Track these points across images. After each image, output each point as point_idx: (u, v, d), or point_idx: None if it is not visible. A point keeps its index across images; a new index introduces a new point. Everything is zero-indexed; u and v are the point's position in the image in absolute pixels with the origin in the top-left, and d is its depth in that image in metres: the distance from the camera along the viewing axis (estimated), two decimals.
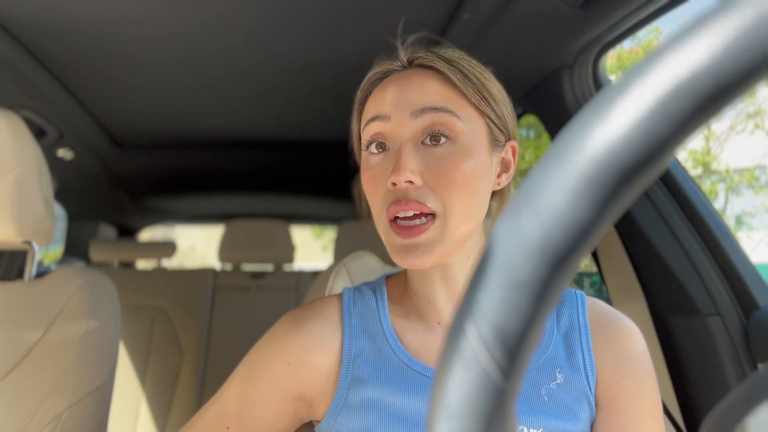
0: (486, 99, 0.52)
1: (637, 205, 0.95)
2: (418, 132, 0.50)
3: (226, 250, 2.01)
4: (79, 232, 2.29)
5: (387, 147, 0.51)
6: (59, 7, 0.88)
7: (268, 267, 2.10)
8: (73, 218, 2.29)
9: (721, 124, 8.29)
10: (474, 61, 0.55)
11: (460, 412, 0.15)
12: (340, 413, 0.52)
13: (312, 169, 2.01)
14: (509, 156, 0.56)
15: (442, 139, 0.49)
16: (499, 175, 0.54)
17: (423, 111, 0.49)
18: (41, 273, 0.87)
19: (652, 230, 0.93)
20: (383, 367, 0.53)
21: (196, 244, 14.77)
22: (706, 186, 8.18)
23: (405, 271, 0.60)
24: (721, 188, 8.54)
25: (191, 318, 1.87)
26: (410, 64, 0.54)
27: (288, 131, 1.63)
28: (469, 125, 0.50)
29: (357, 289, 0.61)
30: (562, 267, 0.15)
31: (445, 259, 0.51)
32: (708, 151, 8.27)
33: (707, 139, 8.19)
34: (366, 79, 0.56)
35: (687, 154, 8.21)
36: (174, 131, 1.61)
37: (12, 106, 1.15)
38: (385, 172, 0.50)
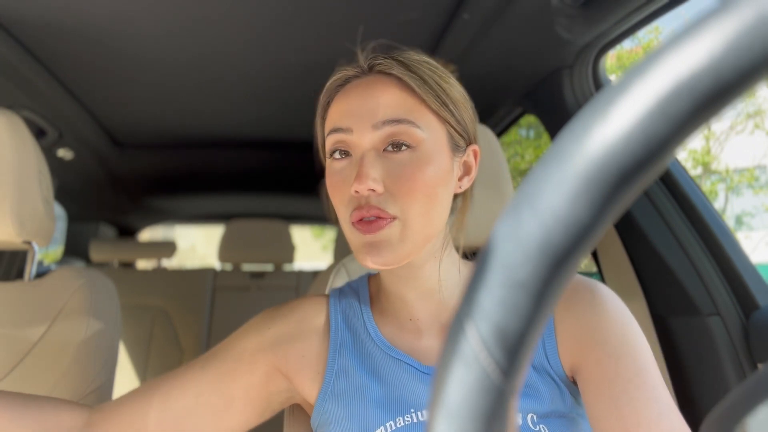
0: (446, 104, 0.53)
1: (637, 205, 0.95)
2: (379, 141, 0.51)
3: (226, 250, 2.01)
4: (79, 232, 2.29)
5: (350, 154, 0.53)
6: (60, 7, 0.88)
7: (268, 267, 2.10)
8: (73, 218, 2.29)
9: (721, 124, 8.30)
10: (435, 64, 0.56)
11: (460, 412, 0.15)
12: (328, 400, 0.56)
13: (312, 169, 2.01)
14: (471, 159, 0.57)
15: (403, 147, 0.50)
16: (460, 179, 0.56)
17: (384, 123, 0.50)
18: (41, 273, 0.87)
19: (652, 230, 0.93)
20: (365, 357, 0.57)
21: (196, 244, 14.77)
22: (706, 186, 8.18)
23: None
24: (721, 188, 8.54)
25: (191, 318, 1.87)
26: (370, 70, 0.55)
27: (288, 131, 1.63)
28: (429, 132, 0.52)
29: (341, 289, 0.65)
30: (562, 267, 0.15)
31: (408, 260, 0.52)
32: (708, 151, 8.27)
33: (707, 139, 8.19)
34: (327, 85, 0.57)
35: (687, 154, 8.21)
36: (174, 131, 1.61)
37: (12, 106, 1.15)
38: (348, 178, 0.52)
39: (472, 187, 0.59)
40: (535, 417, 0.50)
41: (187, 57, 1.09)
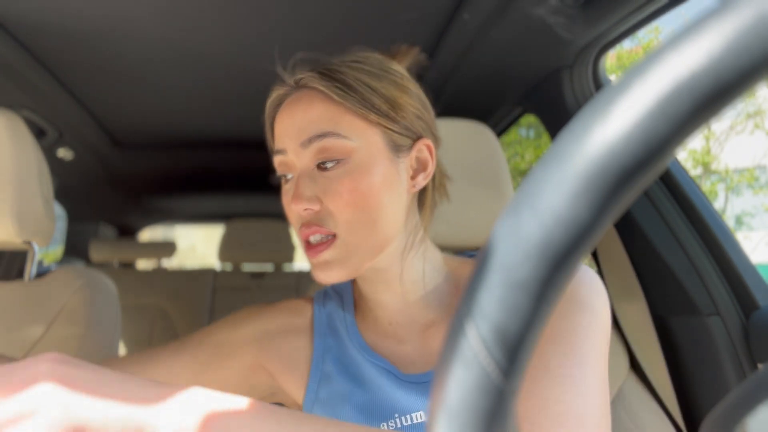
0: (375, 106, 0.50)
1: (637, 205, 0.95)
2: (309, 160, 0.51)
3: (226, 250, 2.01)
4: (79, 232, 2.29)
5: (292, 175, 0.53)
6: (60, 7, 0.88)
7: (268, 267, 2.10)
8: (73, 218, 2.29)
9: (721, 124, 8.30)
10: (368, 63, 0.53)
11: (460, 412, 0.15)
12: (315, 407, 0.55)
13: None
14: (424, 155, 0.54)
15: (332, 163, 0.50)
16: (413, 177, 0.54)
17: (310, 140, 0.50)
18: (41, 273, 0.87)
19: (652, 230, 0.93)
20: (348, 362, 0.56)
21: (196, 244, 14.77)
22: (706, 186, 8.18)
23: None
24: (721, 188, 8.54)
25: (191, 318, 1.87)
26: (297, 85, 0.54)
27: None
28: (360, 140, 0.50)
29: (325, 291, 0.65)
30: (562, 267, 0.15)
31: (362, 271, 0.52)
32: (708, 151, 8.27)
33: (707, 139, 8.20)
34: (267, 108, 0.56)
35: (687, 154, 8.21)
36: (174, 131, 1.61)
37: (12, 106, 1.15)
38: (290, 196, 0.52)
39: (438, 180, 0.58)
40: None
41: (188, 57, 1.09)
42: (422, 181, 0.54)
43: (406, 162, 0.53)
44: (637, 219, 0.95)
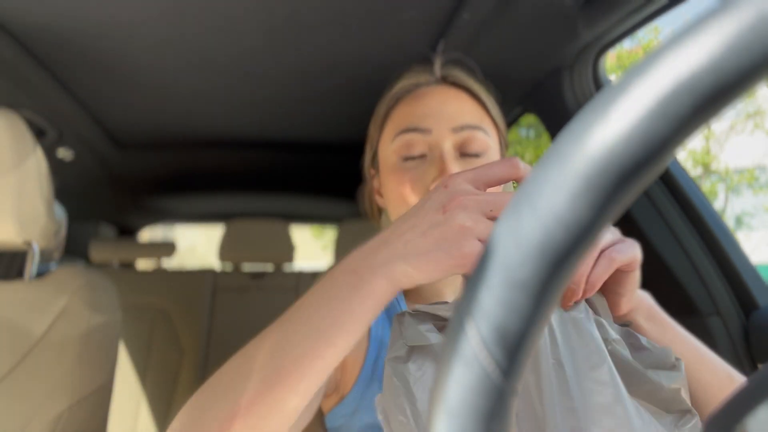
0: (499, 115, 0.59)
1: (637, 205, 0.95)
2: (456, 144, 0.54)
3: (226, 250, 2.01)
4: (79, 232, 2.29)
5: (424, 155, 0.55)
6: (59, 7, 0.88)
7: (268, 267, 2.10)
8: (73, 218, 2.29)
9: (721, 124, 8.30)
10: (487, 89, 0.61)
11: (460, 411, 0.15)
12: (372, 383, 0.54)
13: (312, 168, 2.01)
14: None
15: (475, 155, 0.54)
16: None
17: (463, 128, 0.54)
18: (41, 273, 0.87)
19: (652, 230, 0.93)
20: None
21: (196, 244, 14.77)
22: (706, 186, 8.18)
23: None
24: (720, 188, 8.54)
25: (191, 318, 1.87)
26: (443, 80, 0.58)
27: (288, 131, 1.63)
28: (493, 140, 0.57)
29: None
30: (562, 267, 0.15)
31: None
32: (708, 151, 8.27)
33: (707, 139, 8.20)
34: (399, 87, 0.59)
35: (687, 154, 8.21)
36: (174, 131, 1.61)
37: (12, 106, 1.15)
38: (424, 176, 0.54)
39: None
40: None
41: (188, 57, 1.09)
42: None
43: None
44: (637, 219, 0.95)
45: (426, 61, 0.63)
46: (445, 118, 0.54)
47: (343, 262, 0.36)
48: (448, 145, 0.53)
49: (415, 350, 0.36)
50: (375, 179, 0.64)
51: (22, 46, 1.01)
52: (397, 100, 0.58)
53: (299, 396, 0.33)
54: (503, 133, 0.60)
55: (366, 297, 0.33)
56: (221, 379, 0.36)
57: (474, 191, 0.34)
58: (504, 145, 0.60)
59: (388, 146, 0.57)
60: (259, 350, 0.35)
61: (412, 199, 0.54)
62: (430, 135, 0.54)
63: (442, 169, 0.51)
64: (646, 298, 0.48)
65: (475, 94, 0.57)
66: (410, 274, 0.33)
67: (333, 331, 0.32)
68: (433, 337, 0.36)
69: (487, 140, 0.55)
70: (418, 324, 0.37)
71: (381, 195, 0.63)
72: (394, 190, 0.56)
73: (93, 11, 0.90)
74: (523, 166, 0.36)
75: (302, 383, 0.32)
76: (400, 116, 0.56)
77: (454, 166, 0.52)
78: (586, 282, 0.38)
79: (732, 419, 0.20)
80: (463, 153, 0.54)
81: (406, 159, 0.55)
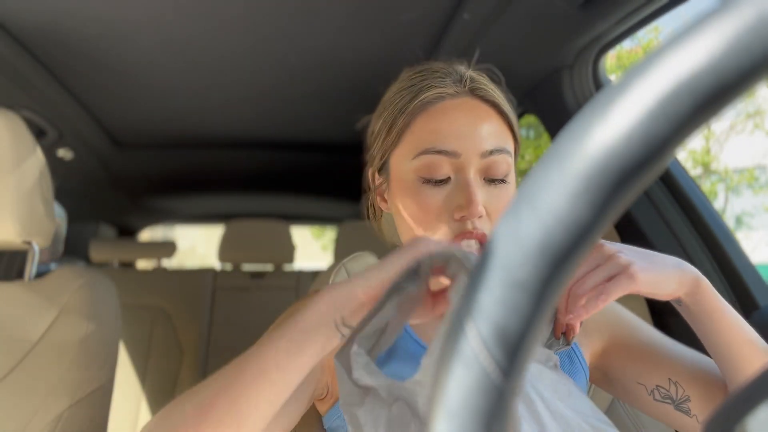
0: (517, 126, 0.56)
1: (637, 205, 0.95)
2: (482, 170, 0.52)
3: (226, 250, 2.01)
4: (79, 232, 2.29)
5: (448, 178, 0.52)
6: (60, 8, 0.88)
7: (269, 267, 2.10)
8: (73, 218, 2.29)
9: (721, 124, 8.30)
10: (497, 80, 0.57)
11: (461, 412, 0.15)
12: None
13: (312, 169, 2.01)
14: None
15: (500, 181, 0.52)
16: None
17: (492, 152, 0.51)
18: (41, 273, 0.87)
19: (652, 230, 0.93)
20: (394, 347, 0.57)
21: (196, 244, 14.77)
22: (706, 186, 8.18)
23: None
24: (720, 188, 8.54)
25: (191, 318, 1.87)
26: (471, 92, 0.53)
27: (288, 131, 1.63)
28: (513, 159, 0.54)
29: None
30: (562, 267, 0.15)
31: None
32: (708, 151, 8.27)
33: (707, 139, 8.19)
34: (422, 98, 0.53)
35: (687, 154, 8.21)
36: (174, 131, 1.61)
37: (12, 106, 1.15)
38: (446, 202, 0.51)
39: None
40: None
41: (188, 57, 1.09)
42: None
43: None
44: (637, 219, 0.95)
45: (445, 62, 0.58)
46: (474, 142, 0.51)
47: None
48: (474, 172, 0.51)
49: (368, 392, 0.36)
50: (382, 186, 0.61)
51: (22, 46, 1.01)
52: (421, 110, 0.53)
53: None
54: (519, 142, 0.58)
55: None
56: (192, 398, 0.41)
57: None
58: (518, 153, 0.58)
59: (406, 161, 0.53)
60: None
61: (434, 224, 0.52)
62: (459, 158, 0.51)
63: (469, 199, 0.49)
64: (701, 280, 0.50)
65: (503, 111, 0.53)
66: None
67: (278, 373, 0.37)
68: (375, 379, 0.35)
69: (510, 161, 0.53)
70: (361, 359, 0.36)
71: (385, 200, 0.60)
72: (412, 210, 0.53)
73: (93, 12, 0.90)
74: None
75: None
76: (424, 131, 0.52)
77: (480, 195, 0.50)
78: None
79: (732, 419, 0.20)
80: (488, 178, 0.52)
81: (428, 181, 0.52)
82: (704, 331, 0.52)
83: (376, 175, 0.61)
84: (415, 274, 0.38)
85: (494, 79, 0.58)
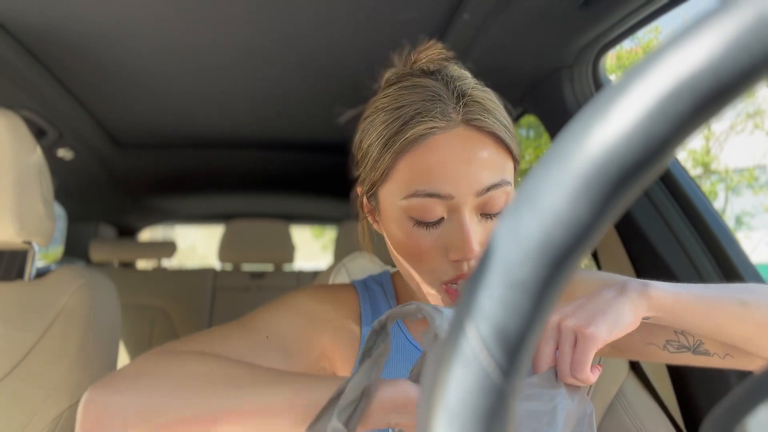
0: (517, 145, 0.52)
1: (637, 205, 0.95)
2: (478, 207, 0.48)
3: (226, 250, 2.01)
4: (79, 232, 2.29)
5: (442, 218, 0.48)
6: (60, 8, 0.88)
7: (269, 267, 2.10)
8: (73, 218, 2.29)
9: (721, 124, 8.30)
10: (492, 96, 0.53)
11: (460, 412, 0.15)
12: None
13: (312, 169, 2.01)
14: None
15: (497, 214, 0.49)
16: None
17: (488, 189, 0.47)
18: (41, 273, 0.87)
19: (652, 230, 0.93)
20: (394, 350, 0.58)
21: (196, 244, 14.77)
22: (706, 186, 8.18)
23: None
24: (720, 188, 8.54)
25: (191, 318, 1.87)
26: (465, 123, 0.48)
27: (288, 132, 1.63)
28: (513, 185, 0.50)
29: (364, 282, 0.66)
30: (562, 267, 0.15)
31: None
32: (708, 151, 8.27)
33: (707, 139, 8.19)
34: (409, 135, 0.47)
35: (687, 154, 8.21)
36: (174, 131, 1.61)
37: (12, 106, 1.15)
38: (443, 245, 0.48)
39: None
40: None
41: (188, 58, 1.09)
42: None
43: None
44: (637, 219, 0.95)
45: (437, 70, 0.54)
46: (469, 181, 0.46)
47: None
48: (469, 211, 0.47)
49: None
50: (372, 213, 0.58)
51: (22, 46, 1.01)
52: (409, 147, 0.48)
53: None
54: (518, 160, 0.53)
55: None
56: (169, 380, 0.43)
57: None
58: (517, 171, 0.54)
59: (395, 198, 0.49)
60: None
61: (429, 265, 0.49)
62: (452, 200, 0.47)
63: (464, 241, 0.46)
64: (649, 288, 0.45)
65: (500, 138, 0.48)
66: None
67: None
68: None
69: (510, 189, 0.49)
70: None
71: (378, 222, 0.57)
72: (403, 249, 0.50)
73: (93, 12, 0.90)
74: None
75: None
76: (413, 170, 0.47)
77: (477, 235, 0.47)
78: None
79: (732, 419, 0.20)
80: (485, 213, 0.48)
81: (420, 223, 0.48)
82: (688, 325, 0.48)
83: (365, 201, 0.58)
84: (377, 334, 0.38)
85: (488, 84, 0.54)
